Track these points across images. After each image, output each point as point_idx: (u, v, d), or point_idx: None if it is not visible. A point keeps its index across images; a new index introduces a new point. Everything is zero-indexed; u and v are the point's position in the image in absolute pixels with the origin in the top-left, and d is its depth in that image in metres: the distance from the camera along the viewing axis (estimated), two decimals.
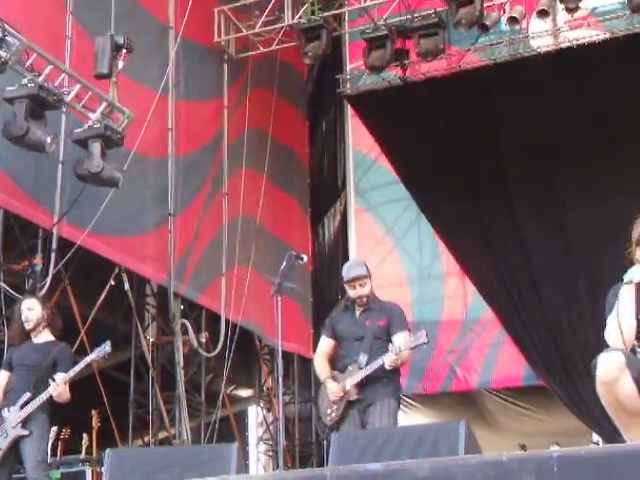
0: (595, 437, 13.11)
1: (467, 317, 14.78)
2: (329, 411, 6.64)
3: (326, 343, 6.91)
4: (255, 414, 15.55)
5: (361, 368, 6.55)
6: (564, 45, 13.39)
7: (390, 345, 6.49)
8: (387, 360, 6.43)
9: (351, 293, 6.76)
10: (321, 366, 6.86)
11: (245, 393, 15.92)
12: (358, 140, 15.80)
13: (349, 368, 6.64)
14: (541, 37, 13.70)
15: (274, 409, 14.93)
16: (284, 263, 6.30)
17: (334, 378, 6.71)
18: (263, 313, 11.75)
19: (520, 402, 14.66)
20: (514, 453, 3.44)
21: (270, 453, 15.10)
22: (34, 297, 7.35)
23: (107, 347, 6.88)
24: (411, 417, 15.00)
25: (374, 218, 15.71)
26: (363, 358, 6.57)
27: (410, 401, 15.08)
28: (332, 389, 6.61)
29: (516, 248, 13.80)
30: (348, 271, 6.75)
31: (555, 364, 13.54)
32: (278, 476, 4.06)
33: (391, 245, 15.44)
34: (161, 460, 5.35)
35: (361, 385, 6.56)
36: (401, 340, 6.58)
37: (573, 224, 13.41)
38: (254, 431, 15.48)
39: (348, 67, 15.39)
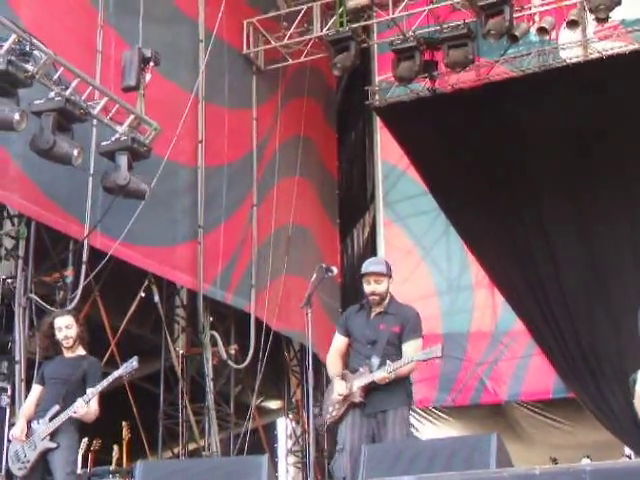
0: (627, 450, 13.00)
1: (496, 329, 14.70)
2: (331, 409, 6.50)
3: (340, 341, 6.73)
4: (284, 426, 15.54)
5: (372, 372, 6.40)
6: (593, 56, 13.33)
7: (388, 362, 6.34)
8: (377, 377, 6.33)
9: (366, 288, 6.60)
10: (333, 363, 6.69)
11: (274, 405, 15.91)
12: (387, 151, 15.80)
13: (360, 370, 6.48)
14: (570, 48, 13.65)
15: (303, 421, 14.92)
16: (314, 275, 6.28)
17: (343, 377, 6.56)
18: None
19: (550, 414, 14.56)
20: (547, 467, 3.42)
21: (299, 465, 15.08)
22: (69, 314, 7.34)
23: (134, 362, 6.88)
24: (441, 429, 14.95)
25: (403, 230, 15.68)
26: (375, 362, 6.42)
27: (439, 413, 15.04)
28: (338, 388, 6.46)
29: (545, 259, 13.74)
30: (367, 266, 6.68)
31: (585, 376, 13.46)
32: None
33: (420, 257, 15.40)
34: (191, 472, 5.37)
35: (368, 389, 6.40)
36: (410, 350, 6.45)
37: (603, 235, 13.35)
38: (283, 443, 15.47)
39: (377, 79, 15.41)
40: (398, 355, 6.45)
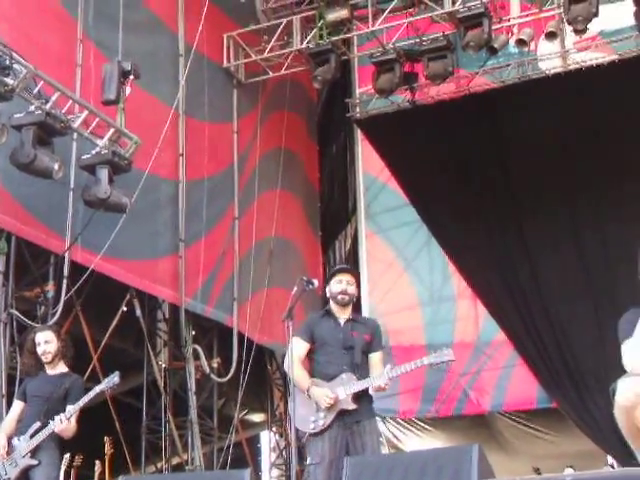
0: (610, 460, 13.02)
1: (479, 339, 14.72)
2: (313, 418, 6.25)
3: (303, 347, 6.50)
4: (268, 439, 15.51)
5: (359, 379, 6.31)
6: (573, 67, 13.43)
7: (387, 367, 6.30)
8: (381, 382, 6.26)
9: (336, 287, 6.53)
10: (301, 371, 6.41)
11: (257, 418, 15.90)
12: (368, 163, 15.84)
13: (343, 376, 6.34)
14: (550, 59, 13.77)
15: (286, 434, 14.89)
16: (295, 288, 6.26)
17: (317, 385, 6.35)
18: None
19: (533, 424, 14.57)
20: (529, 477, 3.42)
21: (283, 478, 15.05)
22: (49, 329, 7.30)
23: (116, 378, 6.85)
24: (424, 440, 14.96)
25: (385, 241, 15.70)
26: (356, 369, 6.37)
27: (423, 424, 15.04)
28: (322, 395, 6.25)
29: (527, 271, 13.80)
30: (339, 266, 6.71)
31: (568, 386, 13.50)
32: None
33: (402, 268, 15.43)
34: None
35: (357, 397, 6.31)
36: (378, 361, 6.47)
37: (586, 246, 13.42)
38: (267, 456, 15.44)
39: (357, 91, 15.47)
40: (366, 363, 6.44)
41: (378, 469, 5.09)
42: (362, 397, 6.36)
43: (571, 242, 13.60)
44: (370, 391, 6.39)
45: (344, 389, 6.31)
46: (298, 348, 6.47)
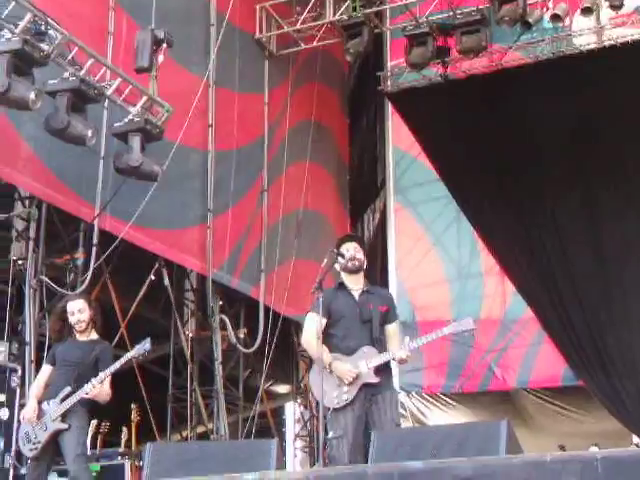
0: (635, 439, 12.99)
1: (506, 316, 14.67)
2: (336, 393, 6.20)
3: (320, 322, 6.32)
4: (292, 410, 15.56)
5: (380, 352, 6.28)
6: (607, 43, 13.25)
7: (407, 338, 6.30)
8: (402, 354, 6.25)
9: (347, 254, 6.47)
10: (320, 346, 6.23)
11: (282, 389, 15.95)
12: (398, 137, 15.74)
13: (364, 350, 6.30)
14: (584, 35, 13.56)
15: (311, 405, 14.94)
16: (325, 260, 6.25)
17: (337, 359, 6.30)
18: None
19: (559, 402, 14.52)
20: (557, 454, 3.41)
21: (307, 450, 15.11)
22: (81, 298, 7.35)
23: (147, 345, 6.89)
24: (448, 416, 14.95)
25: (413, 216, 15.64)
26: (376, 341, 6.33)
27: (447, 400, 15.03)
28: (346, 370, 6.21)
29: (556, 248, 13.70)
30: (342, 235, 6.65)
31: (594, 365, 13.42)
32: (319, 472, 4.06)
33: (430, 243, 15.38)
34: (201, 454, 5.36)
35: (378, 370, 6.27)
36: (395, 331, 6.48)
37: (616, 225, 13.29)
38: (291, 427, 15.49)
39: (389, 64, 15.32)
40: (384, 335, 6.43)
41: (405, 442, 5.09)
42: (383, 369, 6.35)
43: (602, 221, 13.48)
44: (393, 364, 6.38)
45: (366, 363, 6.28)
46: (316, 323, 6.33)
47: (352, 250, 6.53)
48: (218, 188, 12.30)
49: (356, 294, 6.55)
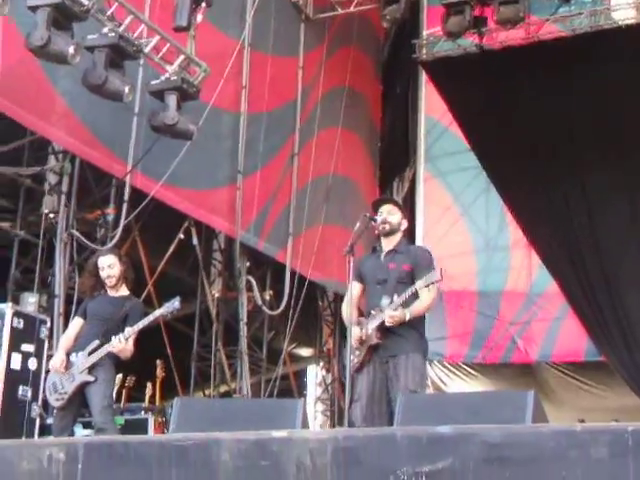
0: None
1: (531, 290, 14.67)
2: (352, 357, 6.22)
3: (354, 287, 6.38)
4: (314, 373, 15.66)
5: (382, 311, 6.20)
6: None
7: (395, 297, 6.20)
8: (386, 314, 6.16)
9: (378, 219, 6.41)
10: (348, 312, 6.35)
11: (305, 352, 16.04)
12: (431, 106, 15.70)
13: (372, 312, 6.28)
14: (624, 9, 13.45)
15: (333, 369, 15.04)
16: (357, 224, 6.26)
17: (359, 324, 6.32)
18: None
19: (580, 377, 14.54)
20: (588, 424, 3.43)
21: (327, 413, 15.21)
22: (112, 253, 7.38)
23: (176, 303, 6.92)
24: (470, 385, 15.00)
25: (443, 185, 15.62)
26: (385, 301, 6.23)
27: (470, 370, 15.07)
28: (353, 334, 6.24)
29: (585, 225, 13.67)
30: (377, 198, 6.60)
31: (617, 341, 13.43)
32: (347, 432, 4.10)
33: (458, 213, 15.36)
34: (228, 411, 5.40)
35: (382, 329, 6.20)
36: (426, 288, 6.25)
37: None
38: (312, 390, 15.60)
39: (425, 32, 15.24)
40: (410, 295, 6.27)
41: (430, 407, 5.11)
42: (397, 329, 6.24)
43: (630, 200, 13.42)
44: (387, 323, 6.21)
45: (371, 324, 6.28)
46: (350, 289, 6.39)
47: (385, 213, 6.47)
48: (247, 150, 12.33)
49: (382, 255, 6.52)
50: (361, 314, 6.53)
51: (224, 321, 12.76)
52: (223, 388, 12.83)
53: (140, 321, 6.90)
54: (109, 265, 7.10)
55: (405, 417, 4.92)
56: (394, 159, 16.20)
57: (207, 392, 12.69)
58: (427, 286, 6.19)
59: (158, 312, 6.97)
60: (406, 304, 6.23)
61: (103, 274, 7.08)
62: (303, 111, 13.64)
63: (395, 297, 6.22)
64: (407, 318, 6.21)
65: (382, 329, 6.24)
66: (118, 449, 4.08)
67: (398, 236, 6.57)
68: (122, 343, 6.77)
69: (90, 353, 6.84)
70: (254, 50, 12.38)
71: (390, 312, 6.18)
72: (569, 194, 13.73)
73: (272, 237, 12.92)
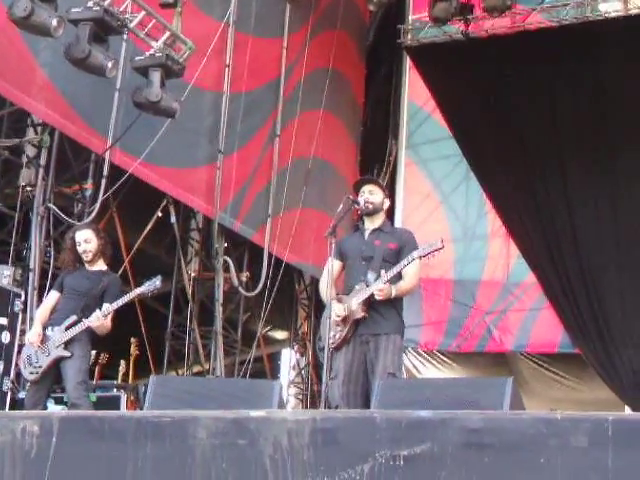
0: (627, 410, 13.05)
1: (508, 280, 14.68)
2: (332, 333, 6.17)
3: (334, 265, 6.34)
4: (288, 357, 15.64)
5: (368, 286, 6.21)
6: (634, 12, 13.11)
7: (382, 272, 6.21)
8: (375, 287, 6.17)
9: (360, 200, 6.44)
10: (326, 287, 6.32)
11: (280, 335, 16.03)
12: (414, 92, 15.64)
13: (356, 287, 6.28)
14: (610, 1, 13.43)
15: (307, 353, 15.02)
16: (340, 206, 6.24)
17: (339, 300, 6.32)
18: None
19: (554, 368, 14.59)
20: (569, 412, 3.41)
21: (300, 397, 15.20)
22: (88, 228, 7.34)
23: (157, 282, 6.91)
24: (443, 374, 15.01)
25: (423, 172, 15.58)
26: (371, 277, 6.24)
27: (444, 358, 15.09)
28: (335, 309, 6.21)
29: (564, 215, 13.66)
30: (362, 177, 6.62)
31: (592, 335, 13.45)
32: (326, 414, 4.06)
33: (438, 201, 15.33)
34: (203, 390, 5.37)
35: (369, 304, 6.21)
36: (411, 270, 6.28)
37: (624, 195, 13.25)
38: (286, 373, 15.58)
39: (411, 17, 15.16)
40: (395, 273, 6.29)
41: (407, 392, 5.10)
42: (379, 308, 6.27)
43: (612, 194, 13.43)
44: (376, 296, 6.21)
45: (356, 299, 6.26)
46: (328, 266, 6.36)
47: (366, 193, 6.50)
48: (226, 130, 12.20)
49: (366, 233, 6.54)
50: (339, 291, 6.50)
51: (199, 301, 12.71)
52: (196, 368, 12.78)
53: (119, 298, 6.87)
54: (85, 240, 7.05)
55: (382, 401, 4.90)
56: (375, 145, 16.14)
57: (180, 372, 12.65)
58: (429, 254, 6.22)
59: (139, 290, 6.95)
60: (391, 282, 6.24)
61: (80, 249, 7.03)
62: (283, 93, 13.52)
63: (383, 272, 6.22)
64: (393, 295, 6.22)
65: (368, 304, 6.23)
66: (93, 424, 4.03)
67: (381, 215, 6.61)
68: (100, 320, 6.72)
69: (67, 328, 6.80)
70: (235, 30, 12.25)
71: (380, 285, 6.17)
72: (550, 186, 13.71)
73: (248, 219, 12.83)
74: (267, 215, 13.00)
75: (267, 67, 13.22)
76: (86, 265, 7.06)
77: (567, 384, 14.59)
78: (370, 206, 6.48)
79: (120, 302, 6.80)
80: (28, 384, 7.01)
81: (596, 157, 13.39)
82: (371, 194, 6.51)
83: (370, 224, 6.56)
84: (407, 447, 3.52)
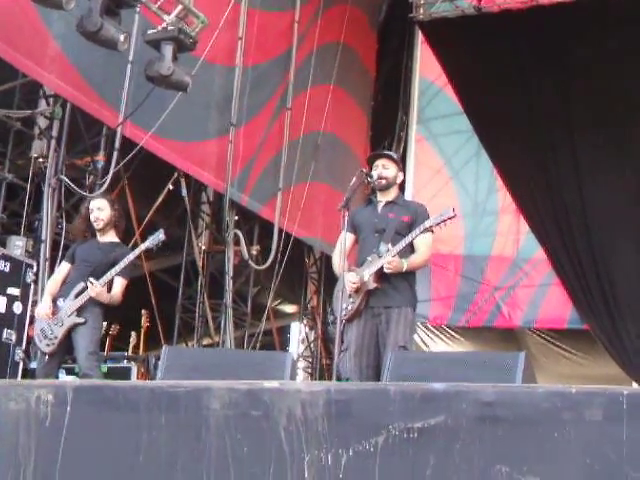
0: (635, 386, 13.07)
1: (518, 255, 14.67)
2: (345, 305, 6.17)
3: (347, 238, 6.35)
4: (297, 330, 15.68)
5: (380, 257, 6.19)
6: None
7: (389, 245, 6.20)
8: (386, 259, 6.15)
9: (373, 174, 6.41)
10: (339, 260, 6.36)
11: (289, 309, 16.06)
12: (425, 67, 15.57)
13: (368, 259, 6.26)
14: None
15: (317, 327, 15.06)
16: (354, 179, 6.22)
17: (352, 272, 6.31)
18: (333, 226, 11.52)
19: (562, 344, 14.61)
20: (584, 386, 3.42)
21: (309, 370, 15.25)
22: (104, 198, 7.34)
23: (161, 235, 6.88)
24: (451, 349, 15.01)
25: (434, 148, 15.54)
26: (383, 249, 6.22)
27: (452, 333, 15.10)
28: (349, 277, 6.21)
29: (574, 192, 13.62)
30: (375, 151, 6.61)
31: (601, 311, 13.45)
32: (340, 386, 4.08)
33: (448, 176, 15.29)
34: (216, 361, 5.39)
35: (380, 275, 6.19)
36: (423, 243, 6.28)
37: (636, 171, 13.19)
38: (295, 347, 15.62)
39: None
40: (406, 247, 6.27)
41: (419, 365, 5.10)
42: (391, 280, 6.25)
43: (623, 169, 13.39)
44: (386, 269, 6.19)
45: (368, 271, 6.25)
46: (341, 239, 6.40)
47: (380, 168, 6.47)
48: (229, 105, 12.18)
49: (380, 206, 6.52)
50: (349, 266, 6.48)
51: (210, 274, 12.74)
52: (206, 341, 12.83)
53: (128, 270, 6.87)
54: (99, 207, 7.05)
55: (394, 373, 4.91)
56: (386, 119, 16.09)
57: (190, 344, 12.69)
58: (441, 223, 6.19)
59: (143, 246, 6.94)
60: (403, 255, 6.23)
61: (92, 216, 7.03)
62: (291, 67, 13.44)
63: (390, 246, 6.20)
64: (404, 269, 6.20)
65: (380, 275, 6.22)
66: (107, 393, 4.05)
67: (395, 189, 6.59)
68: (97, 287, 6.69)
69: (76, 296, 6.80)
70: (239, 4, 12.18)
71: (389, 258, 6.16)
72: (561, 162, 13.68)
73: (255, 192, 12.81)
74: (277, 189, 12.97)
75: (273, 41, 13.14)
76: (98, 236, 7.06)
77: (575, 360, 14.61)
78: (383, 181, 6.46)
79: (127, 261, 6.78)
80: (42, 355, 7.00)
81: (608, 133, 13.33)
82: (385, 168, 6.48)
83: (383, 197, 6.53)
84: (421, 420, 3.53)
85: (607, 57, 13.02)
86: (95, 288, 6.69)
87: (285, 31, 13.39)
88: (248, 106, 12.44)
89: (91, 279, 6.71)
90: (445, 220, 6.20)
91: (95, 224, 7.02)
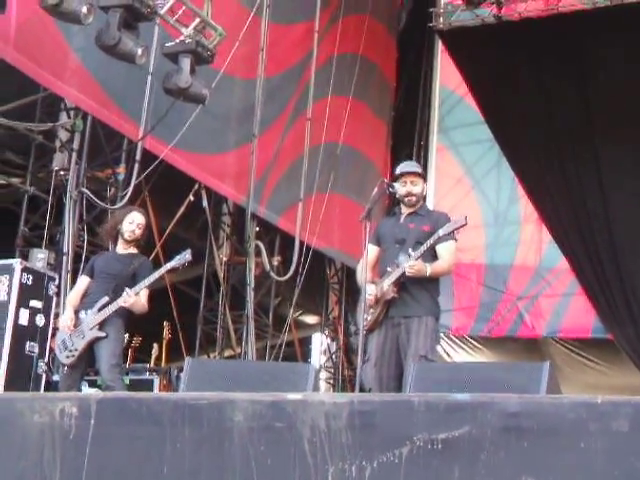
0: None
1: (540, 264, 14.61)
2: (366, 316, 6.13)
3: (370, 250, 6.31)
4: (319, 341, 15.65)
5: (399, 267, 6.16)
6: None
7: (410, 250, 6.16)
8: (405, 265, 6.11)
9: (401, 190, 6.38)
10: (362, 272, 6.27)
11: (311, 320, 16.04)
12: (446, 76, 15.57)
13: (388, 269, 6.25)
14: None
15: (338, 338, 15.03)
16: (375, 189, 6.20)
17: (373, 283, 6.30)
18: (350, 237, 11.47)
19: (586, 354, 14.52)
20: (609, 397, 3.38)
21: (331, 381, 15.22)
22: (144, 215, 7.33)
23: (187, 255, 6.90)
24: (474, 359, 14.95)
25: (455, 157, 15.52)
26: (403, 258, 6.18)
27: (475, 343, 15.04)
28: (368, 290, 6.16)
29: (597, 200, 13.58)
30: (402, 167, 6.53)
31: (625, 320, 13.38)
32: (363, 397, 4.06)
33: (470, 186, 15.26)
34: (239, 373, 5.37)
35: (399, 285, 6.18)
36: (445, 252, 6.26)
37: None
38: (317, 358, 15.59)
39: (443, 1, 15.08)
40: (429, 256, 6.24)
41: (442, 375, 5.08)
42: (410, 290, 6.23)
43: None
44: (407, 272, 6.15)
45: (387, 280, 6.23)
46: (366, 252, 6.30)
47: (408, 185, 6.45)
48: (247, 117, 12.20)
49: (402, 217, 6.50)
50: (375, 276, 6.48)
51: (231, 286, 12.75)
52: (228, 352, 12.83)
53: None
54: (139, 225, 7.07)
55: (417, 384, 4.89)
56: (407, 128, 16.06)
57: (212, 356, 12.69)
58: (453, 231, 6.17)
59: (169, 265, 6.96)
60: (425, 261, 6.20)
61: (128, 227, 7.04)
62: (304, 78, 13.35)
63: (410, 250, 6.18)
64: (428, 273, 6.17)
65: (399, 285, 6.20)
66: (131, 406, 4.04)
67: (420, 203, 6.57)
68: (132, 297, 6.73)
69: (99, 310, 6.81)
70: (257, 16, 12.17)
71: (411, 262, 6.12)
72: (583, 170, 13.63)
73: (271, 203, 12.79)
74: (293, 199, 12.92)
75: (286, 54, 13.11)
76: (119, 246, 7.08)
77: (599, 369, 14.52)
78: (413, 198, 6.45)
79: (152, 278, 6.81)
80: (63, 367, 7.02)
81: (629, 139, 13.27)
82: (413, 185, 6.46)
83: (406, 208, 6.51)
84: (445, 431, 3.50)
85: (629, 63, 12.95)
86: (130, 298, 6.71)
87: (297, 43, 13.37)
88: (262, 118, 12.44)
89: (128, 291, 6.73)
90: (457, 228, 6.18)
91: (127, 235, 7.03)
